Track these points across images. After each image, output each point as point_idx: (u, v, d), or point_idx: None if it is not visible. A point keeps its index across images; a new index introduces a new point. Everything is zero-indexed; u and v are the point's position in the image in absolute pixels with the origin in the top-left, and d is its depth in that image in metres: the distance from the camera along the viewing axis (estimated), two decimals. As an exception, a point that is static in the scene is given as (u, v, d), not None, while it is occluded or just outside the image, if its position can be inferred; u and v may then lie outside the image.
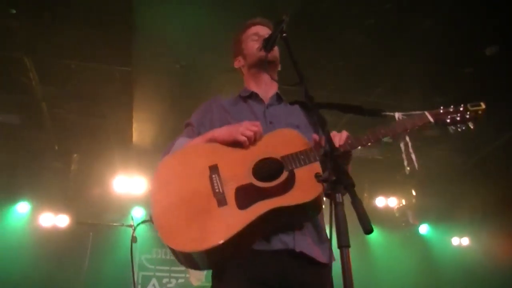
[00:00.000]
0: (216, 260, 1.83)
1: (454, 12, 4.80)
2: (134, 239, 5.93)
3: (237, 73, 2.49)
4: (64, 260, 7.32)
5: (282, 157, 1.91)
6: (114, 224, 6.45)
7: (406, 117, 2.04)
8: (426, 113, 2.03)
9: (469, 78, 5.61)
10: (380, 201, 9.00)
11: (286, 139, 1.99)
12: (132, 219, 6.65)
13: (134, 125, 6.78)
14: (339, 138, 1.93)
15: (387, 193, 9.01)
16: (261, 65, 2.26)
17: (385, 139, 2.00)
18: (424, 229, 9.76)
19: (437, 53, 5.32)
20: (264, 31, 2.32)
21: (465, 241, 9.57)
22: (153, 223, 1.88)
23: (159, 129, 6.94)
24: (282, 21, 1.97)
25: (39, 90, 6.00)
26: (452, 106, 2.04)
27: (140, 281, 8.20)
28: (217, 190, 1.87)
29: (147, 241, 7.98)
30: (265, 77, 2.32)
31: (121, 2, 4.81)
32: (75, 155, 7.21)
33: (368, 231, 1.39)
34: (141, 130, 6.96)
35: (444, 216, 9.24)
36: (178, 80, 5.94)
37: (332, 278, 1.91)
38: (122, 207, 7.74)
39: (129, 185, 7.28)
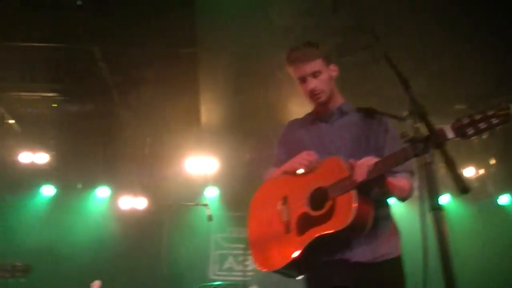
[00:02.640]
0: (294, 273, 2.26)
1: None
2: (210, 218, 6.06)
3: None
4: (144, 241, 7.59)
5: (328, 187, 2.11)
6: (189, 204, 6.57)
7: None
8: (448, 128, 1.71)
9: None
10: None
11: (331, 168, 2.14)
12: (206, 198, 6.76)
13: (202, 106, 6.81)
14: (360, 171, 2.00)
15: (464, 161, 8.54)
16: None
17: None
18: (504, 199, 9.19)
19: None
20: (306, 68, 2.29)
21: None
22: None
23: (226, 108, 6.95)
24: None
25: (109, 78, 6.15)
26: (477, 114, 1.69)
27: (217, 259, 8.36)
28: (285, 220, 2.23)
29: (221, 220, 8.10)
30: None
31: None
32: (147, 138, 7.37)
33: (464, 189, 1.35)
34: (209, 110, 6.99)
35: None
36: (242, 58, 5.90)
37: (399, 270, 2.16)
38: (195, 187, 7.88)
39: (200, 165, 7.37)
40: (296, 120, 2.55)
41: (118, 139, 7.37)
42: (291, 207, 2.24)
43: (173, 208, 6.13)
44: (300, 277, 2.27)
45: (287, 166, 2.34)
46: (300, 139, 2.42)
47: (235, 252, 8.36)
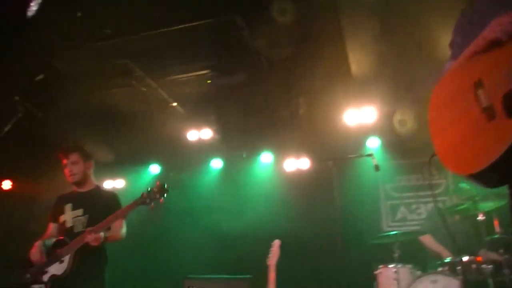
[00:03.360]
0: (501, 176, 1.74)
1: None
2: (377, 168, 5.92)
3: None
4: (314, 199, 7.69)
5: None
6: (354, 156, 6.46)
7: None
8: None
9: None
10: None
11: None
12: (369, 149, 6.58)
13: (350, 56, 6.58)
14: None
15: None
16: None
17: None
18: None
19: None
20: None
21: None
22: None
23: (374, 54, 6.64)
24: None
25: (255, 45, 6.22)
26: None
27: (389, 210, 8.17)
28: (484, 105, 1.74)
29: (388, 170, 7.86)
30: None
31: None
32: (301, 99, 7.37)
33: None
34: (358, 59, 6.74)
35: None
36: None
37: None
38: (356, 140, 7.74)
39: (359, 116, 7.21)
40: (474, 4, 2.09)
41: (273, 104, 7.50)
42: (491, 88, 1.74)
43: (337, 163, 6.06)
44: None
45: (475, 43, 1.85)
46: (484, 14, 1.93)
47: (406, 201, 8.09)
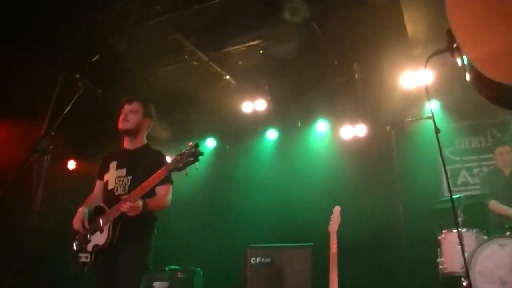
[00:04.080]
0: None
1: None
2: (437, 130, 5.74)
3: None
4: (372, 165, 7.58)
5: None
6: (412, 119, 6.30)
7: None
8: None
9: None
10: None
11: None
12: (427, 112, 6.35)
13: (405, 17, 6.35)
14: None
15: None
16: None
17: None
18: None
19: None
20: None
21: None
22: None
23: (433, 12, 6.38)
24: None
25: (306, 10, 6.09)
26: None
27: (449, 175, 7.94)
28: None
29: (447, 133, 7.62)
30: None
31: None
32: (355, 64, 7.20)
33: None
34: (414, 20, 6.49)
35: None
36: None
37: None
38: (413, 104, 7.53)
39: (416, 79, 6.99)
40: None
41: (327, 71, 7.39)
42: None
43: (395, 128, 5.93)
44: None
45: None
46: None
47: (467, 165, 7.82)
